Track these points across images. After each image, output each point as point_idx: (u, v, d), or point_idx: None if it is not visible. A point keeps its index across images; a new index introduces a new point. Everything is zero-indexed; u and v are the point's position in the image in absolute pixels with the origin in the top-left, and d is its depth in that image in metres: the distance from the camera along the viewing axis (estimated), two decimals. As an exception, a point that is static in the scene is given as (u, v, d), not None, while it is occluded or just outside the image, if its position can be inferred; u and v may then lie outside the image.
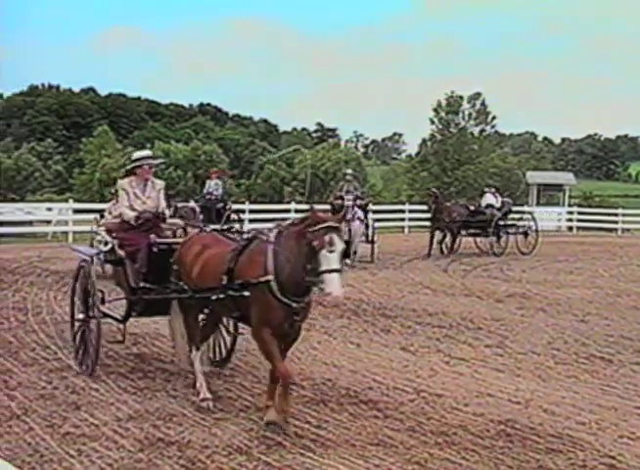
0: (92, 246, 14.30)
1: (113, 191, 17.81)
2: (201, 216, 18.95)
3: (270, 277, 5.85)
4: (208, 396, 6.64)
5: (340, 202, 18.22)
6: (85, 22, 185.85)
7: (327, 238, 5.53)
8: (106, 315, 7.75)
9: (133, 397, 6.91)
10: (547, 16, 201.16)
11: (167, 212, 8.15)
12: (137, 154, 8.25)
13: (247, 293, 5.99)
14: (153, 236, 7.55)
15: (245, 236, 6.72)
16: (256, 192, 65.71)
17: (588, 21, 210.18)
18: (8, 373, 7.64)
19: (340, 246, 5.56)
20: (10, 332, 9.61)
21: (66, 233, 24.65)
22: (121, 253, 7.59)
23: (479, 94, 61.82)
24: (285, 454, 5.50)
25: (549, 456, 5.58)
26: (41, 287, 13.54)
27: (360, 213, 18.16)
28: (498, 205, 22.15)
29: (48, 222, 26.04)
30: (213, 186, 21.87)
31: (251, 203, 33.21)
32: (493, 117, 61.40)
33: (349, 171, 20.67)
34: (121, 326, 8.06)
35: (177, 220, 8.38)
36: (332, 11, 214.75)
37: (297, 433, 5.93)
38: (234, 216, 21.92)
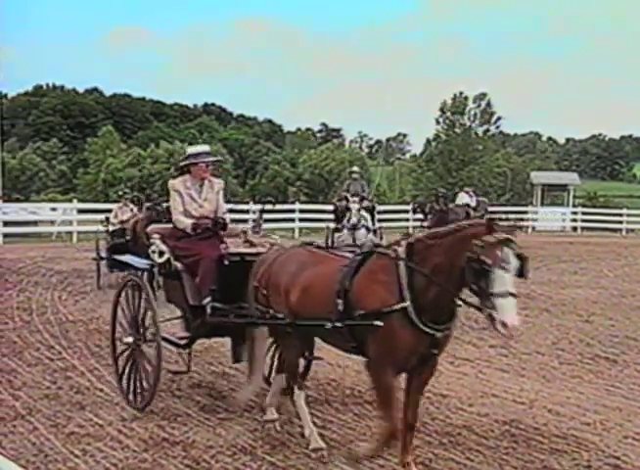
0: (98, 248, 14.15)
1: (120, 193, 17.36)
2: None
3: (406, 303, 4.82)
4: (321, 444, 5.59)
5: (344, 203, 16.80)
6: (90, 22, 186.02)
7: (501, 253, 4.48)
8: (164, 339, 6.50)
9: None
10: (551, 16, 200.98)
11: (228, 217, 6.99)
12: (191, 149, 6.98)
13: (378, 323, 4.86)
14: (224, 246, 6.57)
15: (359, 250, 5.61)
16: (261, 192, 65.75)
17: (594, 21, 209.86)
18: (12, 373, 7.66)
19: (515, 263, 4.51)
20: (14, 332, 9.64)
21: (70, 233, 24.73)
22: (178, 265, 6.43)
23: (484, 94, 61.92)
24: (289, 455, 5.50)
25: (554, 457, 5.57)
26: (46, 287, 13.57)
27: (368, 219, 16.43)
28: (474, 204, 21.18)
29: (52, 222, 26.11)
30: None
31: (255, 203, 33.22)
32: (498, 118, 61.50)
33: (356, 169, 19.10)
34: (184, 353, 6.99)
35: (236, 226, 7.31)
36: (337, 10, 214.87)
37: (302, 433, 5.92)
38: None
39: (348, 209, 16.14)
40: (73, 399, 6.82)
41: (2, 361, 8.12)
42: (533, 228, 33.82)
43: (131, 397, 6.56)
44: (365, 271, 5.14)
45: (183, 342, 6.69)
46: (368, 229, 16.04)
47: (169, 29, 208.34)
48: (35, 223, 26.00)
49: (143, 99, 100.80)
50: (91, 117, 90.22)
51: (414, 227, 29.40)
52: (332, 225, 17.47)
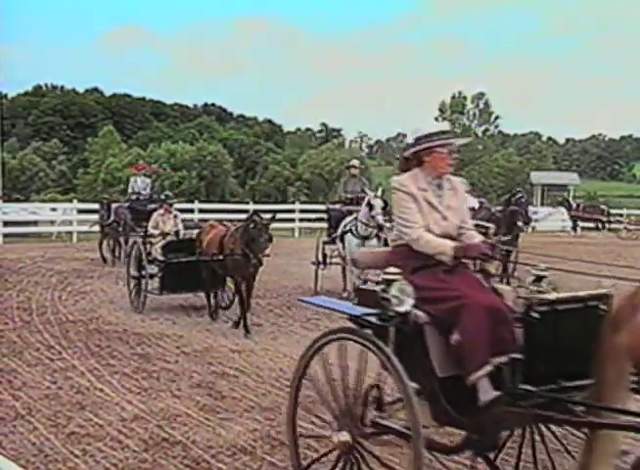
0: (140, 261, 11.70)
1: (162, 197, 14.09)
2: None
3: None
4: None
5: (338, 207, 13.83)
6: (90, 22, 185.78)
7: None
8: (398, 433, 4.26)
9: (138, 397, 6.91)
10: (551, 16, 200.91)
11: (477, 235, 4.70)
12: (425, 128, 4.56)
13: None
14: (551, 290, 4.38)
15: None
16: (260, 193, 65.77)
17: (594, 21, 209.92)
18: (12, 373, 7.65)
19: None
20: (14, 332, 9.64)
21: (70, 233, 24.74)
22: (419, 314, 4.12)
23: (482, 94, 62.04)
24: (289, 455, 5.50)
25: (554, 456, 5.56)
26: (46, 287, 13.57)
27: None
28: (477, 206, 17.30)
29: (52, 222, 26.14)
30: (140, 184, 18.82)
31: (255, 203, 33.31)
32: (496, 117, 61.63)
33: (356, 164, 14.80)
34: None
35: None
36: (337, 10, 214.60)
37: (302, 433, 5.91)
38: None
39: (369, 206, 11.91)
40: (73, 399, 6.82)
41: (2, 361, 8.12)
42: (533, 228, 33.85)
43: None
44: None
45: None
46: (379, 238, 12.30)
47: (169, 29, 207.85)
48: (35, 223, 26.02)
49: (143, 99, 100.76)
50: (91, 117, 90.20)
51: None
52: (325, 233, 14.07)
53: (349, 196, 13.77)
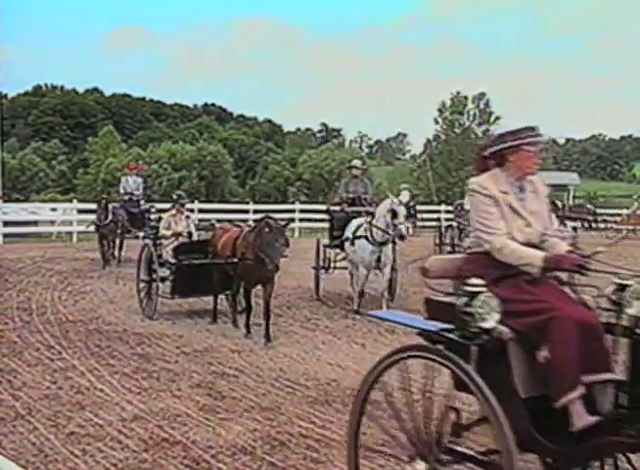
0: (150, 263, 11.19)
1: (174, 196, 13.06)
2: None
3: None
4: None
5: (339, 208, 13.13)
6: (90, 22, 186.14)
7: None
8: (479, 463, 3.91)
9: (137, 397, 6.91)
10: (551, 16, 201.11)
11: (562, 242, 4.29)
12: (508, 124, 4.33)
13: None
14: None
15: None
16: (260, 193, 65.81)
17: (594, 21, 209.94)
18: (12, 373, 7.64)
19: None
20: (14, 332, 9.62)
21: (70, 233, 24.75)
22: (504, 329, 3.71)
23: (483, 94, 62.07)
24: (289, 455, 5.49)
25: None
26: (45, 287, 13.56)
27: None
28: None
29: (52, 222, 26.15)
30: (132, 185, 18.30)
31: (255, 203, 33.34)
32: (496, 117, 61.64)
33: (357, 164, 14.15)
34: None
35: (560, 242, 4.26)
36: (337, 10, 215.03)
37: (302, 433, 5.92)
38: (154, 217, 16.39)
39: (393, 212, 11.13)
40: (73, 399, 6.81)
41: (2, 361, 8.11)
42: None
43: None
44: None
45: None
46: (394, 244, 11.84)
47: (169, 29, 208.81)
48: (35, 223, 26.02)
49: (143, 99, 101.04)
50: (91, 117, 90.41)
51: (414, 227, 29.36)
52: (326, 237, 13.52)
53: (351, 196, 13.30)
